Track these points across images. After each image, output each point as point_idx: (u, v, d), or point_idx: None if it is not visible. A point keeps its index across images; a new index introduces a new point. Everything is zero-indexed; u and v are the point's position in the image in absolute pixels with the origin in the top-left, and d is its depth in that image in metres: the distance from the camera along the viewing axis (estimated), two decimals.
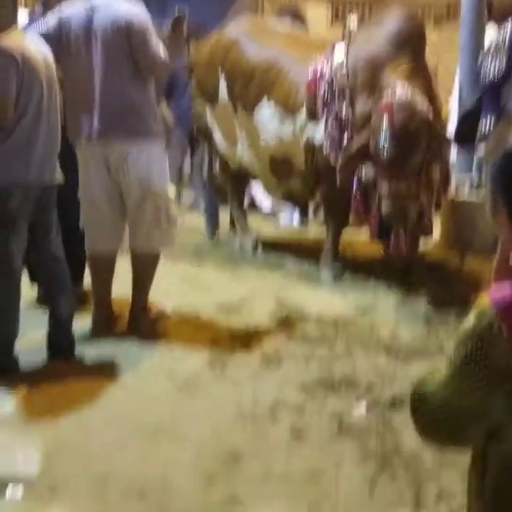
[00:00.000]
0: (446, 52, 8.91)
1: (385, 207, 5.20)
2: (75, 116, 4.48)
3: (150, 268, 4.72)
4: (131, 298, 4.73)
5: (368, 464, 3.22)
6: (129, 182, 4.49)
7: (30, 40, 4.02)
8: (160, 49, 4.37)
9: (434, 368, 1.55)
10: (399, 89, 5.09)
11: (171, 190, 4.83)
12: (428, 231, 5.60)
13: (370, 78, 5.37)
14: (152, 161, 4.50)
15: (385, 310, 5.15)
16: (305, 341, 4.56)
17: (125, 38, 4.34)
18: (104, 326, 4.65)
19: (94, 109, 4.42)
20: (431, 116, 5.12)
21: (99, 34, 4.36)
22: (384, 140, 5.04)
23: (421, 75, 5.36)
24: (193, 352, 4.40)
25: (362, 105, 5.41)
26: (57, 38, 4.41)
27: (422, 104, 5.09)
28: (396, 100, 5.05)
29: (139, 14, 4.41)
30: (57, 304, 4.19)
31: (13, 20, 3.99)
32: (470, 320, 1.45)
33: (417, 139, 5.07)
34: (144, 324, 4.68)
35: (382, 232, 5.48)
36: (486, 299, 1.44)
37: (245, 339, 4.57)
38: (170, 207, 4.69)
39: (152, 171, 4.50)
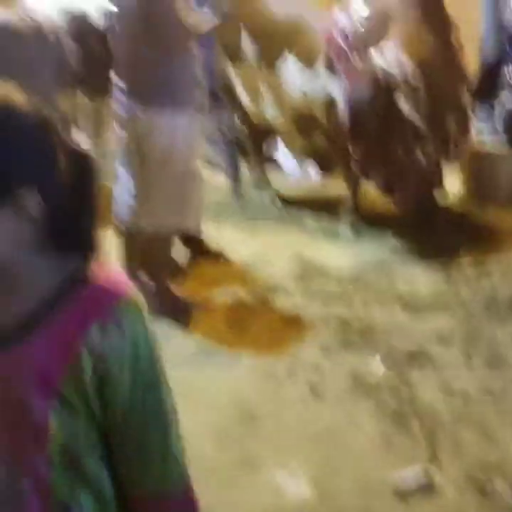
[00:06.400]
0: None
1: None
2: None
3: (159, 248, 4.44)
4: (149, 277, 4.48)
5: (383, 420, 3.25)
6: (150, 154, 4.25)
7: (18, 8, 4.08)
8: (179, 15, 4.09)
9: None
10: (382, 49, 4.99)
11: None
12: (436, 183, 5.60)
13: (379, 32, 5.27)
14: (176, 135, 4.20)
15: (404, 264, 5.14)
16: (323, 297, 4.57)
17: (146, 2, 4.06)
18: None
19: (122, 80, 4.31)
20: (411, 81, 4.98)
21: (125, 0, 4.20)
22: (344, 105, 5.05)
23: (432, 28, 5.22)
24: (212, 310, 4.44)
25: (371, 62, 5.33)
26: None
27: (394, 70, 4.94)
28: (360, 65, 4.99)
29: None
30: None
31: None
32: None
33: (371, 108, 4.96)
34: (167, 306, 4.33)
35: (389, 186, 5.45)
36: None
37: (264, 296, 4.60)
38: (192, 186, 4.36)
39: (175, 145, 4.18)
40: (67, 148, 1.23)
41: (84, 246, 1.26)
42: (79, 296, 1.22)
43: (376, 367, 3.72)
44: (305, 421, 3.26)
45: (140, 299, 1.25)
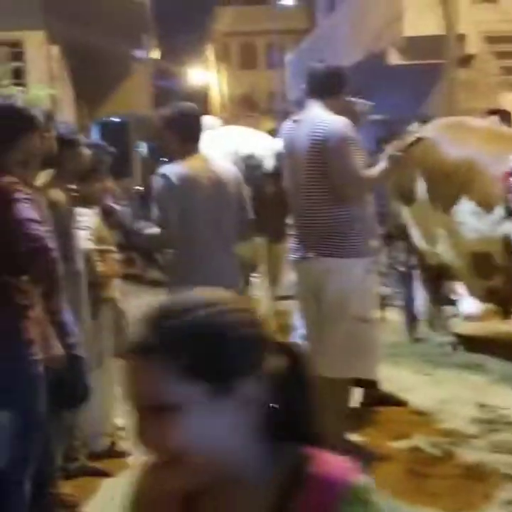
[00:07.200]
0: None
1: None
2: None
3: (335, 395, 4.22)
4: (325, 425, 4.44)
5: None
6: (326, 301, 4.24)
7: (202, 162, 4.16)
8: (355, 166, 4.11)
9: None
10: None
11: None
12: None
13: None
14: (352, 282, 4.16)
15: None
16: (510, 450, 4.29)
17: (321, 154, 4.11)
18: None
19: (297, 227, 4.42)
20: None
21: (300, 150, 4.25)
22: None
23: None
24: (392, 460, 4.25)
25: None
26: (281, 156, 4.70)
27: None
28: None
29: (338, 128, 4.12)
30: None
31: (181, 150, 4.12)
32: None
33: None
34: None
35: None
36: None
37: (446, 448, 4.36)
38: (368, 334, 4.26)
39: (350, 293, 4.16)
40: (276, 343, 1.27)
41: (303, 437, 1.25)
42: (301, 492, 1.16)
43: None
44: None
45: (366, 481, 1.17)
